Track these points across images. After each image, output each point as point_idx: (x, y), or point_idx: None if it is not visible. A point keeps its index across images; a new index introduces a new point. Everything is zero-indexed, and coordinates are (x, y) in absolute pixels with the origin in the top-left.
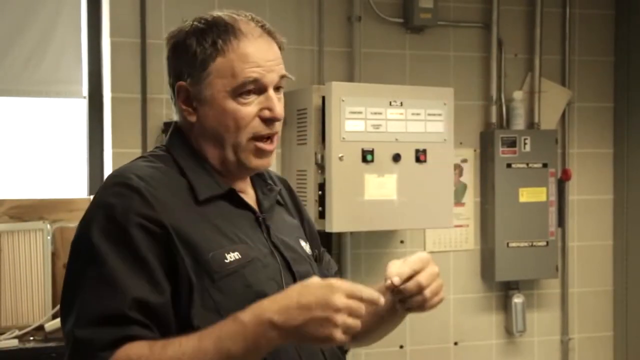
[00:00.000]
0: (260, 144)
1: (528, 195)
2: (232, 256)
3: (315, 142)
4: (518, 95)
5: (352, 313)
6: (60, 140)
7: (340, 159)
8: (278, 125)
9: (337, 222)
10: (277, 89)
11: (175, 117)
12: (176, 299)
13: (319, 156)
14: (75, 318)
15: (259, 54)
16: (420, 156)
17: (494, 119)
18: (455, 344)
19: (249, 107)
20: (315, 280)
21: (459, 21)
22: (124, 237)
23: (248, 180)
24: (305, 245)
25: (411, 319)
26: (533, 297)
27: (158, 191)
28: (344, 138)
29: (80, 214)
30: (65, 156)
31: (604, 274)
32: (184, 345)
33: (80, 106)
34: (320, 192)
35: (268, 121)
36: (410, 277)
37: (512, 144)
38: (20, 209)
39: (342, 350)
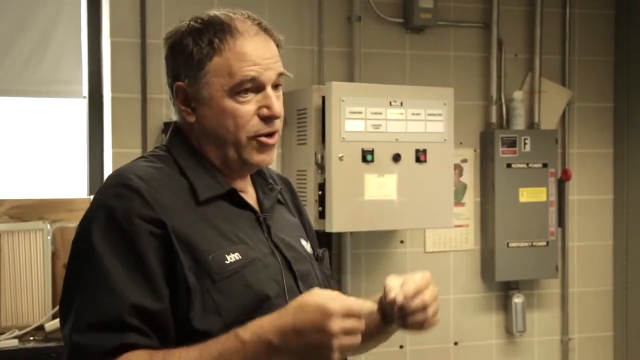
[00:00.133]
0: (262, 139)
1: (528, 195)
2: (232, 257)
3: (315, 142)
4: (518, 95)
5: (349, 333)
6: (60, 140)
7: (340, 159)
8: (278, 123)
9: (337, 222)
10: (275, 86)
11: (174, 118)
12: (175, 301)
13: (319, 156)
14: (73, 321)
15: (255, 52)
16: (420, 156)
17: (494, 119)
18: (455, 344)
19: (248, 106)
20: (312, 299)
21: (459, 21)
22: (124, 240)
23: (249, 179)
24: (306, 245)
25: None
26: (533, 297)
27: (158, 192)
28: (344, 138)
29: (80, 214)
30: (65, 156)
31: (604, 274)
32: (183, 357)
33: (80, 106)
34: (320, 192)
35: (267, 119)
36: (414, 295)
37: (512, 144)
38: (20, 209)
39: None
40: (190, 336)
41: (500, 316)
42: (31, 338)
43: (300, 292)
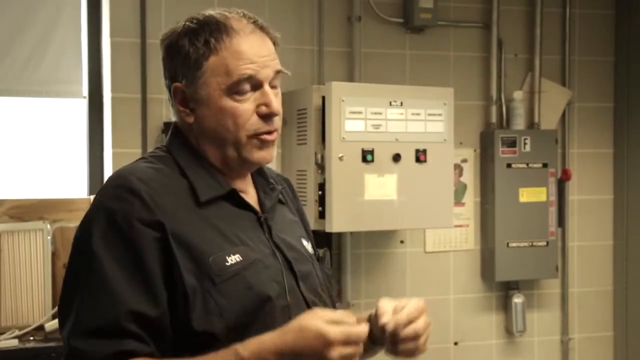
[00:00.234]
0: (263, 136)
1: (528, 195)
2: (233, 259)
3: (315, 142)
4: (518, 95)
5: (347, 358)
6: (60, 140)
7: (340, 159)
8: (277, 121)
9: (337, 222)
10: (273, 85)
11: (174, 119)
12: (174, 303)
13: (319, 156)
14: (72, 324)
15: (252, 50)
16: (420, 156)
17: (494, 119)
18: (455, 344)
19: (246, 104)
20: (313, 323)
21: (459, 21)
22: (123, 243)
23: (249, 180)
24: (307, 244)
25: None
26: (533, 297)
27: (158, 194)
28: (344, 138)
29: (80, 214)
30: (65, 156)
31: (604, 274)
32: None
33: (80, 106)
34: (320, 192)
35: (266, 117)
36: (406, 324)
37: (512, 144)
38: (20, 209)
39: None
40: (189, 337)
41: (500, 316)
42: (31, 338)
43: (302, 293)
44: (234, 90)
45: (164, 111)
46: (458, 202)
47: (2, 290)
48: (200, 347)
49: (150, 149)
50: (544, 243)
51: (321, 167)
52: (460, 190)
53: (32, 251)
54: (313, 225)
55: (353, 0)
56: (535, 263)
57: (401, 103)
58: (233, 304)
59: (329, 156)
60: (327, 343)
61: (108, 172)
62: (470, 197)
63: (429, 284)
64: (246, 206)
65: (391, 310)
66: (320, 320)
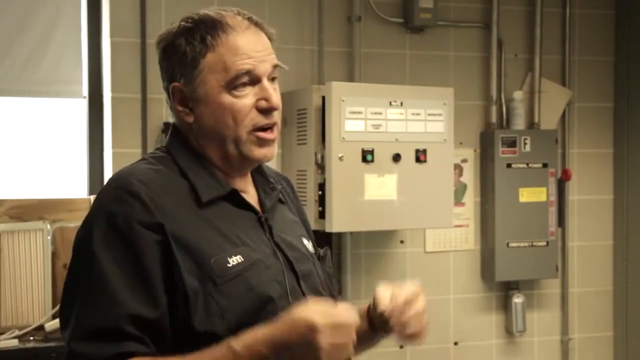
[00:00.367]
0: (261, 134)
1: (528, 195)
2: (235, 260)
3: (315, 142)
4: (518, 95)
5: (339, 347)
6: (60, 140)
7: (340, 159)
8: (276, 115)
9: (337, 222)
10: (272, 79)
11: (172, 120)
12: (175, 304)
13: (319, 156)
14: (72, 328)
15: (248, 45)
16: (420, 156)
17: (494, 119)
18: (455, 344)
19: (245, 100)
20: (302, 314)
21: (459, 21)
22: (124, 245)
23: (250, 179)
24: (308, 243)
25: None
26: (533, 297)
27: (159, 196)
28: (344, 138)
29: (80, 214)
30: (65, 156)
31: (604, 274)
32: None
33: (80, 106)
34: (320, 192)
35: (266, 112)
36: (403, 307)
37: (512, 144)
38: (20, 209)
39: None
40: (190, 337)
41: (500, 316)
42: (31, 338)
43: (303, 292)
44: (233, 85)
45: (164, 111)
46: (458, 202)
47: (2, 290)
48: (202, 347)
49: (150, 149)
50: (544, 243)
51: (321, 167)
52: (460, 190)
53: (32, 251)
54: (313, 225)
55: (353, 0)
56: (535, 263)
57: (401, 103)
58: (235, 305)
59: (329, 156)
60: (315, 331)
61: (108, 172)
62: (470, 197)
63: (429, 284)
64: (247, 206)
65: (389, 297)
66: (310, 311)
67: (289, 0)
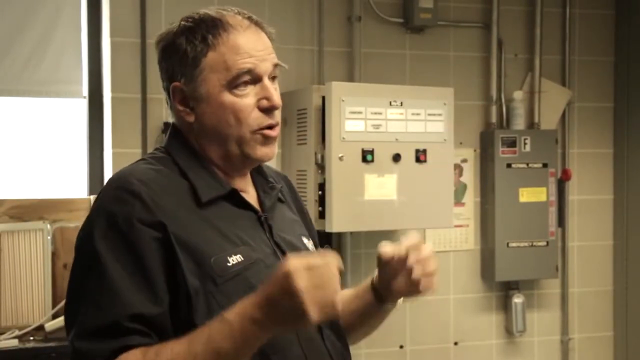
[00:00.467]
0: (267, 131)
1: (528, 195)
2: (235, 259)
3: (315, 142)
4: (518, 95)
5: (319, 286)
6: (60, 140)
7: (340, 159)
8: (278, 115)
9: (337, 222)
10: (272, 78)
11: (172, 121)
12: (177, 303)
13: (319, 156)
14: (76, 328)
15: (249, 44)
16: (420, 156)
17: (494, 119)
18: (455, 344)
19: (247, 99)
20: (279, 268)
21: (459, 21)
22: (125, 245)
23: (249, 179)
24: (308, 242)
25: (411, 319)
26: (533, 297)
27: (159, 195)
28: (344, 138)
29: (80, 214)
30: (65, 156)
31: (604, 274)
32: (175, 350)
33: (80, 106)
34: (320, 192)
35: (267, 111)
36: (407, 252)
37: (512, 144)
38: (20, 209)
39: (346, 347)
40: None
41: (500, 316)
42: (31, 338)
43: None
44: (234, 85)
45: (164, 111)
46: (458, 202)
47: (2, 290)
48: None
49: (150, 149)
50: (544, 243)
51: (321, 167)
52: (460, 190)
53: (32, 251)
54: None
55: (353, 0)
56: (535, 263)
57: (401, 103)
58: (235, 304)
59: (329, 156)
60: (288, 275)
61: (108, 172)
62: (470, 197)
63: None
64: (246, 206)
65: (391, 250)
66: (284, 263)
67: (289, 0)
